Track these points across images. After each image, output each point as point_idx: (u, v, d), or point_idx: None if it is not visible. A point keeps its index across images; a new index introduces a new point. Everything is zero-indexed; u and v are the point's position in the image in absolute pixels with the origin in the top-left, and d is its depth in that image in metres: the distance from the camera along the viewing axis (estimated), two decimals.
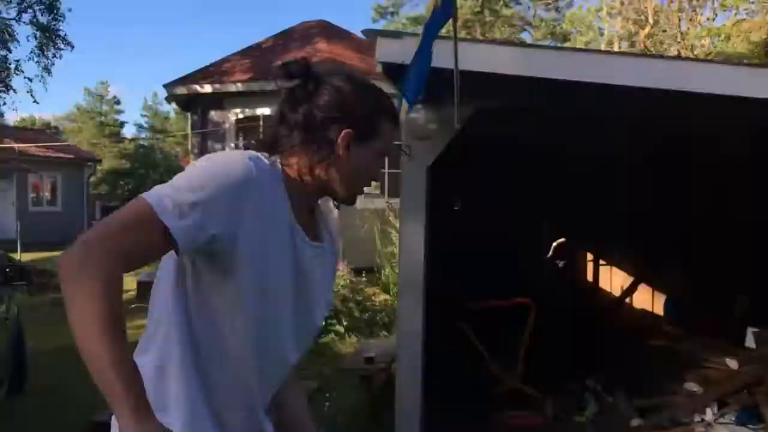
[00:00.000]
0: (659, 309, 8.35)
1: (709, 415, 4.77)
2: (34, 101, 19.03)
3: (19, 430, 5.04)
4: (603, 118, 4.74)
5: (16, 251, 14.15)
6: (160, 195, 1.22)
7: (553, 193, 7.94)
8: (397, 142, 1.56)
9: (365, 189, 1.52)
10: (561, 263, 7.76)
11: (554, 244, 7.80)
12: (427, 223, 4.22)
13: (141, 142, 43.27)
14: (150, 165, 28.84)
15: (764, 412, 4.44)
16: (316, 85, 1.44)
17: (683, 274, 8.09)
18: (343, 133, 1.42)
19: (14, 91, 14.67)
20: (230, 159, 1.34)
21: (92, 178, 26.72)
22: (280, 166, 1.42)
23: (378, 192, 10.56)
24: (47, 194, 23.60)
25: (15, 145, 18.54)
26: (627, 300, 8.82)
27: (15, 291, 5.12)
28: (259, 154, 1.39)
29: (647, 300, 8.63)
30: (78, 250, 1.17)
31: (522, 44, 6.18)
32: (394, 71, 3.86)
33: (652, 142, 6.02)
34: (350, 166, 1.44)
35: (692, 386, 5.26)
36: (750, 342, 5.32)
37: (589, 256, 8.92)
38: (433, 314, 4.51)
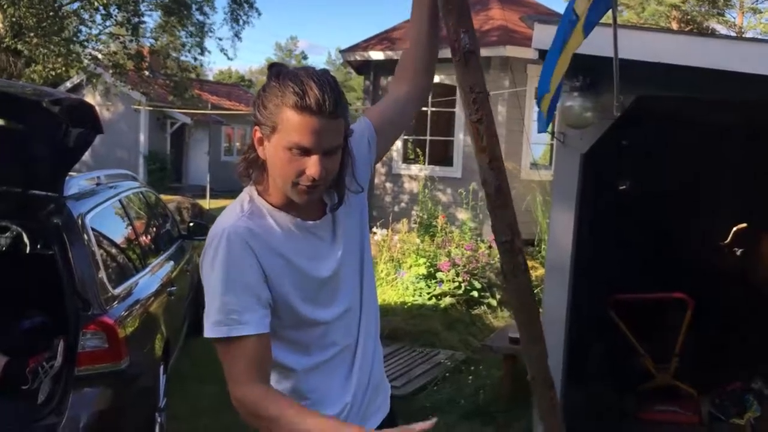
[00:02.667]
0: None
1: None
2: (228, 58, 20.43)
3: (195, 367, 5.60)
4: None
5: (206, 198, 15.46)
6: (213, 330, 1.48)
7: (733, 171, 7.35)
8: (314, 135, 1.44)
9: (303, 183, 1.48)
10: (740, 251, 7.17)
11: (734, 229, 7.21)
12: (577, 211, 4.12)
13: None
14: None
15: None
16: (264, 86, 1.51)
17: None
18: (254, 133, 1.50)
19: (209, 52, 15.87)
20: (222, 257, 1.48)
21: None
22: (256, 193, 1.56)
23: (546, 164, 10.32)
24: (237, 144, 25.38)
25: (209, 113, 20.07)
26: None
27: (195, 243, 5.65)
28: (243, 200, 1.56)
29: None
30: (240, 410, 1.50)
31: (684, 32, 5.71)
32: None
33: None
34: (270, 165, 1.50)
35: None
36: None
37: None
38: (585, 300, 4.43)
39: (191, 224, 5.94)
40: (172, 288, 4.48)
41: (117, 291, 3.48)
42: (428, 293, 6.89)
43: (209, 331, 1.48)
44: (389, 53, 9.79)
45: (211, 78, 28.45)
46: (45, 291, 3.48)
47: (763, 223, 7.64)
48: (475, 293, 6.81)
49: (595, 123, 3.91)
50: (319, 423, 1.42)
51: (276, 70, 1.48)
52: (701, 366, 5.26)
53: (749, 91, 3.50)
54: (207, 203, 14.30)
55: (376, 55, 10.15)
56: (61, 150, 3.11)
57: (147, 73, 14.98)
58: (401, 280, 7.21)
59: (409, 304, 6.91)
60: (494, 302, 6.86)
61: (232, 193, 18.78)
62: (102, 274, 3.36)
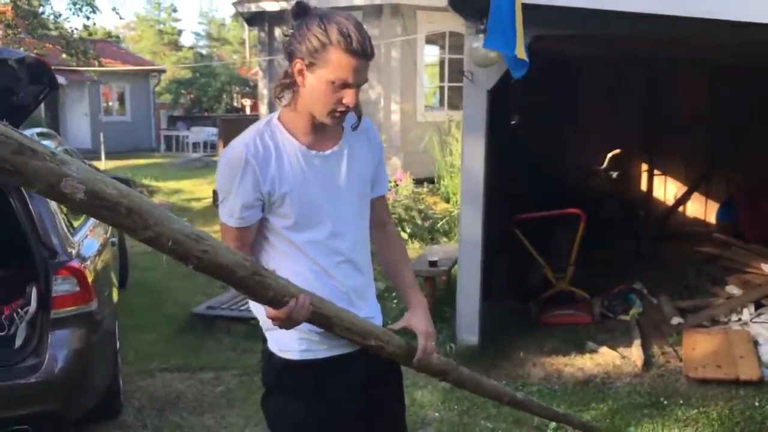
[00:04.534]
0: (712, 217, 8.63)
1: (745, 315, 5.20)
2: (120, 17, 19.43)
3: (126, 318, 5.77)
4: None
5: (95, 160, 15.04)
6: (222, 214, 1.86)
7: (606, 104, 8.16)
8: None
9: (339, 110, 1.78)
10: (615, 174, 8.04)
11: (609, 155, 8.05)
12: (486, 142, 4.63)
13: (199, 50, 43.71)
14: (211, 74, 29.27)
15: None
16: (297, 26, 1.78)
17: (736, 181, 8.32)
18: (295, 63, 1.77)
19: (100, 11, 15.06)
20: (232, 162, 1.81)
21: (157, 88, 27.46)
22: (277, 118, 1.87)
23: (438, 105, 10.87)
24: (116, 104, 24.47)
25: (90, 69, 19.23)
26: (680, 208, 9.10)
27: None
28: (262, 121, 1.89)
29: (700, 208, 8.89)
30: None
31: None
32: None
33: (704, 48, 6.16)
34: (306, 92, 1.79)
35: (733, 289, 5.67)
36: None
37: (644, 167, 9.15)
38: (490, 223, 4.99)
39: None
40: (114, 239, 4.67)
41: (75, 239, 3.68)
42: None
43: (221, 216, 1.87)
44: (283, 4, 9.91)
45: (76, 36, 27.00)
46: (6, 242, 3.63)
47: (635, 149, 8.56)
48: None
49: (499, 62, 4.40)
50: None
51: (315, 12, 1.76)
52: (592, 273, 6.02)
53: (625, 27, 4.08)
54: (103, 165, 13.95)
55: (271, 6, 10.24)
56: (15, 106, 3.25)
57: (14, 32, 14.14)
58: None
59: None
60: (405, 236, 7.38)
61: (115, 154, 18.35)
62: (61, 223, 3.55)
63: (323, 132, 1.89)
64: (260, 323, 1.97)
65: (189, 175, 14.84)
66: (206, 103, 29.53)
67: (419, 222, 7.62)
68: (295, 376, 1.93)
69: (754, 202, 7.65)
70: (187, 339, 5.37)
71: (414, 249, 7.20)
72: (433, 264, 5.50)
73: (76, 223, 3.96)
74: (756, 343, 4.71)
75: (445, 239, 7.59)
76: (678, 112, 8.07)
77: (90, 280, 3.45)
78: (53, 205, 3.60)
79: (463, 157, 4.73)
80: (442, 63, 10.72)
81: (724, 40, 4.66)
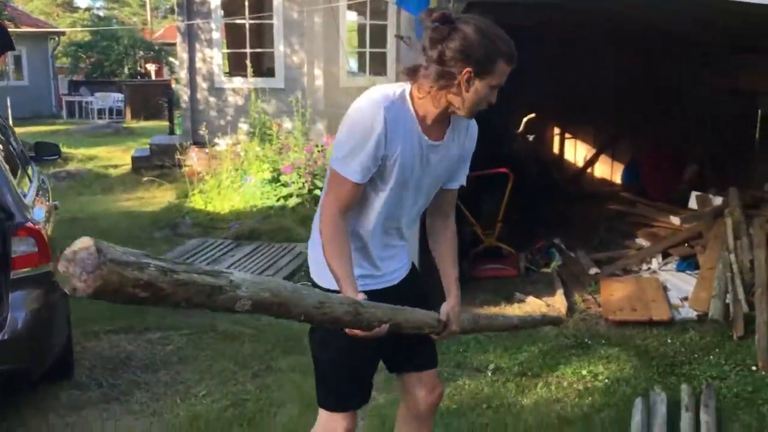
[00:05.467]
0: (617, 178, 9.25)
1: (654, 264, 5.71)
2: None
3: None
4: None
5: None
6: (342, 166, 2.00)
7: (522, 71, 8.53)
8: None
9: (483, 108, 2.04)
10: (531, 137, 8.49)
11: (525, 119, 8.48)
12: None
13: (96, 11, 41.70)
14: (112, 37, 28.05)
15: (700, 261, 5.36)
16: (449, 31, 1.94)
17: (640, 145, 8.93)
18: (464, 71, 1.94)
19: None
20: (368, 118, 1.97)
21: (56, 51, 26.14)
22: (409, 95, 2.03)
23: (358, 71, 11.00)
24: (12, 68, 23.17)
25: None
26: (589, 170, 9.69)
27: (47, 164, 5.66)
28: (394, 90, 2.04)
29: (607, 170, 9.50)
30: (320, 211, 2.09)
31: None
32: None
33: (612, 17, 6.58)
34: (469, 96, 1.98)
35: (642, 241, 6.19)
36: (692, 204, 6.20)
37: (556, 131, 9.67)
38: None
39: (36, 144, 5.90)
40: (56, 202, 4.63)
41: (27, 201, 3.67)
42: (275, 196, 7.44)
43: (334, 163, 2.02)
44: None
45: None
46: None
47: (547, 113, 9.02)
48: (318, 191, 7.47)
49: None
50: (340, 268, 1.98)
51: (473, 29, 1.94)
52: (516, 230, 6.40)
53: None
54: None
55: None
56: None
57: None
58: (248, 186, 7.66)
59: (259, 206, 7.43)
60: None
61: (18, 119, 17.45)
62: (15, 186, 3.54)
63: (438, 123, 2.10)
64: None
65: (100, 142, 14.42)
66: (108, 68, 28.34)
67: None
68: None
69: (656, 165, 8.28)
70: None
71: None
72: None
73: (25, 188, 3.93)
74: (665, 289, 5.21)
75: None
76: (587, 79, 8.54)
77: (47, 239, 3.47)
78: (5, 167, 3.59)
79: None
80: (363, 29, 10.84)
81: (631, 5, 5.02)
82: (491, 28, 1.99)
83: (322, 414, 2.28)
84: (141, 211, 8.23)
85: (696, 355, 4.24)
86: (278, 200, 7.40)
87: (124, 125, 18.57)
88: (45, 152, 5.69)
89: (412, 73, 2.02)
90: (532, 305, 5.24)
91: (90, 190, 9.65)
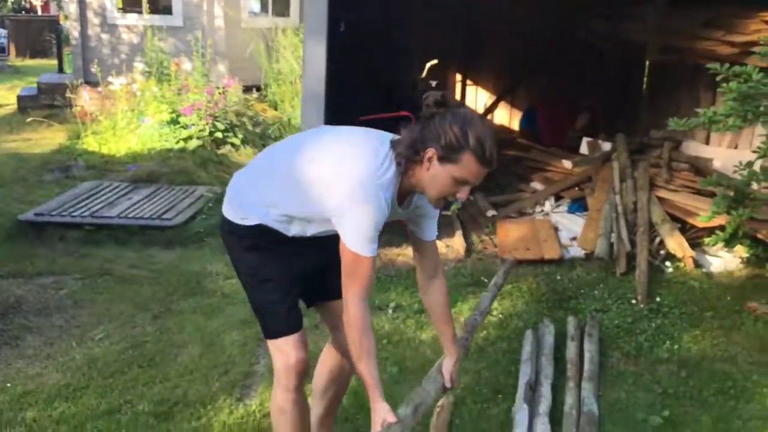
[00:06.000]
0: (515, 125, 9.51)
1: (547, 206, 5.96)
2: None
3: None
4: None
5: None
6: (362, 249, 2.01)
7: (423, 17, 8.56)
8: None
9: (449, 199, 2.08)
10: (434, 83, 8.55)
11: (428, 65, 8.52)
12: (328, 43, 4.81)
13: None
14: None
15: (588, 203, 5.64)
16: (436, 113, 1.97)
17: (537, 93, 9.18)
18: (428, 151, 1.97)
19: None
20: (373, 206, 1.98)
21: None
22: (395, 171, 2.02)
23: (260, 11, 10.70)
24: None
25: None
26: (489, 116, 9.90)
27: None
28: (385, 167, 2.02)
29: (505, 116, 9.74)
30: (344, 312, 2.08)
31: None
32: None
33: None
34: (429, 176, 2.00)
35: (536, 185, 6.44)
36: (584, 149, 6.49)
37: (458, 77, 9.79)
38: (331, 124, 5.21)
39: None
40: None
41: None
42: (175, 138, 7.22)
43: (355, 246, 2.01)
44: None
45: None
46: None
47: (450, 60, 9.10)
48: (219, 134, 7.31)
49: None
50: (369, 373, 2.04)
51: (454, 108, 1.97)
52: None
53: None
54: None
55: None
56: None
57: None
58: (145, 128, 7.39)
59: (158, 148, 7.20)
60: (238, 141, 7.43)
61: None
62: None
63: (408, 193, 2.14)
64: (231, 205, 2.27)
65: None
66: None
67: (250, 128, 7.68)
68: (255, 235, 2.22)
69: (551, 113, 8.55)
70: (18, 247, 5.16)
71: (246, 154, 7.29)
72: None
73: None
74: (556, 229, 5.47)
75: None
76: (488, 27, 8.66)
77: None
78: None
79: (306, 59, 4.88)
80: None
81: None
82: (476, 125, 1.97)
83: (270, 347, 2.34)
84: (29, 153, 7.81)
85: (582, 291, 4.51)
86: (178, 142, 7.19)
87: (8, 63, 17.38)
88: None
89: (402, 155, 2.03)
90: None
91: None
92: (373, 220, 1.99)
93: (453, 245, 5.37)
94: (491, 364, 3.57)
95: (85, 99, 8.73)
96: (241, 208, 2.25)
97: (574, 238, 5.28)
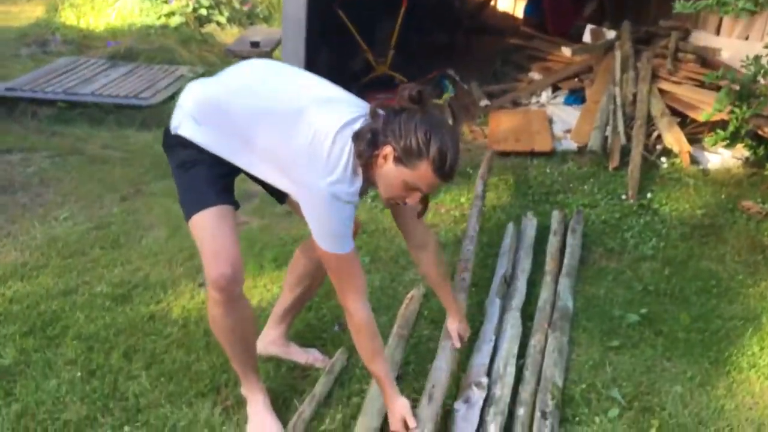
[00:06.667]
0: (519, 12, 9.04)
1: (543, 97, 5.70)
2: None
3: None
4: None
5: None
6: (335, 248, 1.89)
7: None
8: None
9: (398, 202, 1.92)
10: None
11: None
12: None
13: None
14: None
15: (587, 94, 5.37)
16: (401, 110, 1.81)
17: None
18: (386, 148, 1.80)
19: None
20: (338, 214, 1.83)
21: None
22: (358, 164, 1.83)
23: None
24: None
25: None
26: (492, 3, 9.42)
27: None
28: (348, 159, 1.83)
29: (510, 3, 9.26)
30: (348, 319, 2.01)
31: None
32: None
33: None
34: (380, 173, 1.84)
35: (535, 75, 6.14)
36: (587, 38, 6.13)
37: None
38: (314, 5, 4.89)
39: None
40: None
41: None
42: (156, 14, 6.85)
43: (332, 247, 1.89)
44: None
45: None
46: None
47: None
48: (203, 11, 6.92)
49: None
50: (381, 371, 2.02)
51: (426, 120, 1.78)
52: (411, 61, 6.20)
53: None
54: None
55: None
56: None
57: None
58: (125, 2, 7.01)
59: (138, 25, 6.84)
60: (223, 19, 7.06)
61: None
62: None
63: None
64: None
65: None
66: None
67: (237, 6, 7.28)
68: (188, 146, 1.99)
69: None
70: None
71: (232, 34, 6.94)
72: (255, 45, 5.38)
73: None
74: (551, 121, 5.23)
75: (265, 24, 7.35)
76: None
77: None
78: None
79: None
80: None
81: None
82: (442, 135, 1.80)
83: (194, 230, 2.03)
84: (5, 26, 7.44)
85: (571, 185, 4.33)
86: (159, 18, 6.82)
87: None
88: None
89: (365, 146, 1.83)
90: None
91: None
92: (342, 219, 1.86)
93: None
94: None
95: None
96: (198, 125, 1.97)
97: (568, 131, 5.05)
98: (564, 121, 5.25)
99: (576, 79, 5.72)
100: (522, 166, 4.63)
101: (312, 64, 5.41)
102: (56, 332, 2.63)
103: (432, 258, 2.31)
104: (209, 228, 1.98)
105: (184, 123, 1.97)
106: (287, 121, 1.87)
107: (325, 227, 1.87)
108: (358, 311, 1.97)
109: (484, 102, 5.68)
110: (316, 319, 2.83)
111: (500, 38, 7.38)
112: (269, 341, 2.52)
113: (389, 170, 1.82)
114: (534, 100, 5.71)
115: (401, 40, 6.23)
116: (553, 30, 7.28)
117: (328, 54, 6.00)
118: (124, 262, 3.19)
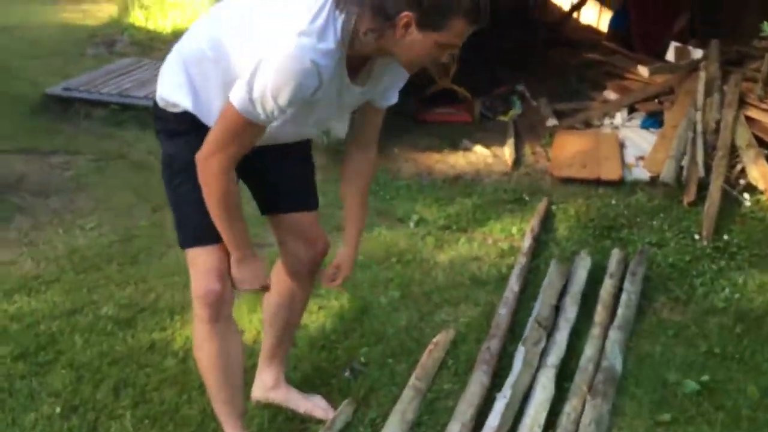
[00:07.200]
0: (603, 25, 8.56)
1: (618, 119, 5.26)
2: None
3: None
4: None
5: None
6: (246, 108, 1.55)
7: None
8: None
9: (426, 65, 1.67)
10: None
11: None
12: None
13: None
14: None
15: (665, 118, 4.91)
16: None
17: None
18: (403, 14, 1.48)
19: None
20: (295, 69, 1.49)
21: None
22: (342, 31, 1.53)
23: None
24: None
25: None
26: (575, 15, 8.95)
27: None
28: (327, 30, 1.52)
29: (594, 15, 8.78)
30: (200, 170, 1.65)
31: None
32: None
33: None
34: (404, 44, 1.52)
35: (610, 94, 5.70)
36: (670, 56, 5.64)
37: None
38: None
39: None
40: None
41: None
42: None
43: (240, 102, 1.55)
44: None
45: None
46: None
47: None
48: None
49: None
50: (234, 240, 1.75)
51: None
52: (479, 73, 5.88)
53: None
54: None
55: None
56: None
57: None
58: (195, 3, 6.97)
59: None
60: None
61: None
62: None
63: (365, 63, 1.68)
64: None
65: None
66: None
67: None
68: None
69: (644, 12, 7.59)
70: (40, 121, 4.92)
71: None
72: None
73: None
74: (622, 146, 4.80)
75: None
76: None
77: None
78: None
79: None
80: None
81: None
82: None
83: (187, 257, 1.87)
84: (80, 24, 7.55)
85: (638, 219, 3.91)
86: None
87: None
88: None
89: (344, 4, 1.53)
90: (478, 155, 4.85)
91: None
92: (290, 80, 1.50)
93: (501, 155, 4.82)
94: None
95: None
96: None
97: (641, 158, 4.62)
98: (637, 146, 4.81)
99: (656, 101, 5.26)
100: (585, 194, 4.24)
101: None
102: (49, 358, 2.47)
103: (369, 158, 1.99)
104: (204, 255, 1.81)
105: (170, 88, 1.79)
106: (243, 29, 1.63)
107: (261, 79, 1.51)
108: (216, 176, 1.66)
109: (551, 121, 5.30)
110: (327, 362, 2.57)
111: (579, 52, 6.95)
112: (264, 386, 2.28)
113: (413, 40, 1.53)
114: (607, 121, 5.28)
115: (469, 51, 5.90)
116: (640, 45, 6.81)
117: None
118: (138, 280, 3.02)
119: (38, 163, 4.22)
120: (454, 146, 4.95)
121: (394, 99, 1.89)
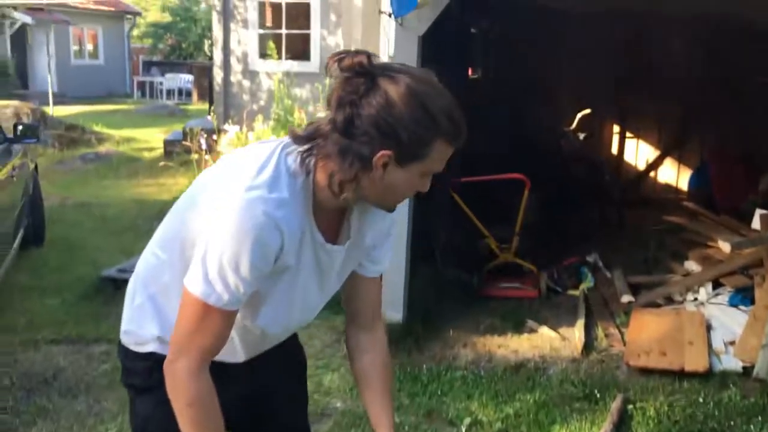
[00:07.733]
0: (683, 184, 8.18)
1: (702, 294, 4.75)
2: None
3: (33, 279, 5.33)
4: None
5: (56, 105, 14.34)
6: (205, 291, 1.33)
7: (580, 62, 7.60)
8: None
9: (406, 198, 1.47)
10: (582, 135, 7.52)
11: (579, 115, 7.52)
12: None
13: None
14: (191, 18, 28.25)
15: (756, 295, 4.38)
16: (367, 87, 1.28)
17: (710, 146, 7.86)
18: (379, 155, 1.30)
19: None
20: (248, 226, 1.29)
21: (134, 31, 26.50)
22: (308, 175, 1.36)
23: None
24: (89, 47, 23.52)
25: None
26: (652, 174, 8.62)
27: (26, 146, 5.40)
28: (281, 177, 1.34)
29: (672, 174, 8.43)
30: (166, 381, 1.39)
31: None
32: None
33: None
34: (384, 185, 1.34)
35: (692, 265, 5.22)
36: (756, 224, 5.17)
37: (615, 129, 8.65)
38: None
39: (18, 126, 5.54)
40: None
41: None
42: None
43: (194, 286, 1.34)
44: None
45: None
46: None
47: (604, 110, 8.03)
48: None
49: (430, 3, 3.86)
50: None
51: (409, 86, 1.28)
52: (548, 241, 5.55)
53: None
54: (51, 109, 13.27)
55: None
56: None
57: None
58: None
59: None
60: None
61: (85, 99, 17.64)
62: None
63: (337, 214, 1.48)
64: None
65: (149, 123, 14.22)
66: (186, 50, 28.55)
67: None
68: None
69: (727, 169, 7.22)
70: (92, 305, 4.85)
71: None
72: None
73: None
74: (709, 327, 4.27)
75: None
76: (653, 73, 7.54)
77: None
78: None
79: None
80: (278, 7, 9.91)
81: None
82: (431, 91, 1.31)
83: None
84: (154, 199, 7.79)
85: (732, 423, 3.35)
86: None
87: (187, 107, 18.45)
88: (26, 135, 5.52)
89: (304, 142, 1.35)
90: (544, 338, 4.41)
91: (115, 174, 9.28)
92: (245, 242, 1.29)
93: (570, 338, 4.36)
94: None
95: (222, 144, 8.65)
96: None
97: (731, 343, 4.07)
98: (727, 327, 4.27)
99: (744, 274, 4.74)
100: (667, 389, 3.70)
101: (432, 246, 4.97)
102: None
103: (382, 346, 1.67)
104: None
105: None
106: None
107: (214, 251, 1.30)
108: (189, 377, 1.36)
109: (626, 297, 4.84)
110: None
111: (659, 214, 6.55)
112: None
113: (394, 177, 1.33)
114: (690, 297, 4.77)
115: (536, 221, 5.64)
116: (723, 205, 6.37)
117: (450, 235, 5.53)
118: None
119: (78, 355, 4.07)
120: (518, 327, 4.54)
121: (386, 261, 1.63)
